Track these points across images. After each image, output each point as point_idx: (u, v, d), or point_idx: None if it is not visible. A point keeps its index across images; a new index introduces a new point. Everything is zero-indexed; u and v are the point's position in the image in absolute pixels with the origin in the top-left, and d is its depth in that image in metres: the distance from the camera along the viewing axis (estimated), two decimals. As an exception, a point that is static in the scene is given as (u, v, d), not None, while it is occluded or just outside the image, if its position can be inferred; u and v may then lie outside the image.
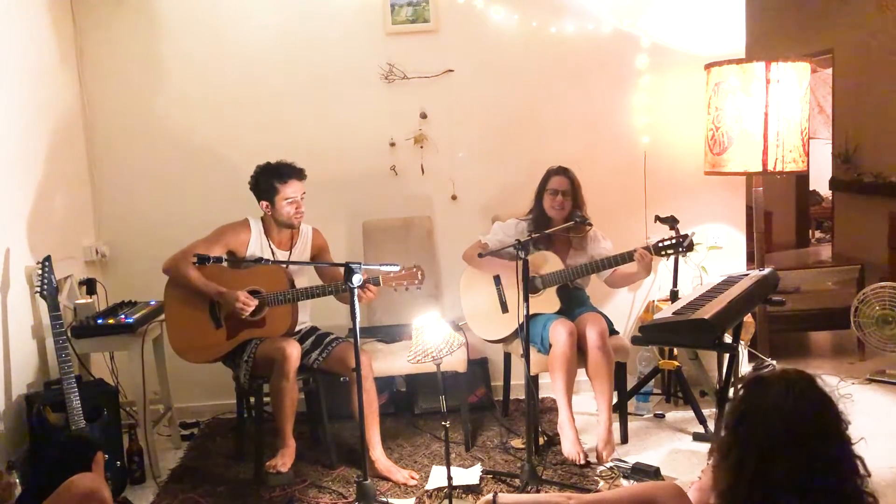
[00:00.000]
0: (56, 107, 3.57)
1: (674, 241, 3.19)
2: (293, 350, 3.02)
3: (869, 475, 1.42)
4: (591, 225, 3.33)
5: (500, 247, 3.30)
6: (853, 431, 1.44)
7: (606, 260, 3.28)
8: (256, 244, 3.22)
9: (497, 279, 3.43)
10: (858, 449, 1.43)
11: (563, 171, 3.43)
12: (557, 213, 3.39)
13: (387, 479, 3.07)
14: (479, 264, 3.38)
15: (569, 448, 3.16)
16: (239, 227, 3.23)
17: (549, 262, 3.35)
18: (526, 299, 2.90)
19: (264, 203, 3.18)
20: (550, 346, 3.20)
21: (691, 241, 3.19)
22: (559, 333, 3.15)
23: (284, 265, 3.19)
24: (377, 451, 3.13)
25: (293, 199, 3.17)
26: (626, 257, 3.22)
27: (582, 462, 3.11)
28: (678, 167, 3.97)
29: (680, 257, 3.53)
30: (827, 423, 1.40)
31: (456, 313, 3.61)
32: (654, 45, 3.90)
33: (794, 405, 1.40)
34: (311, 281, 3.32)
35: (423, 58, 3.84)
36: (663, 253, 3.22)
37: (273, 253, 3.24)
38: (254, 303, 3.04)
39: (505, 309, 3.41)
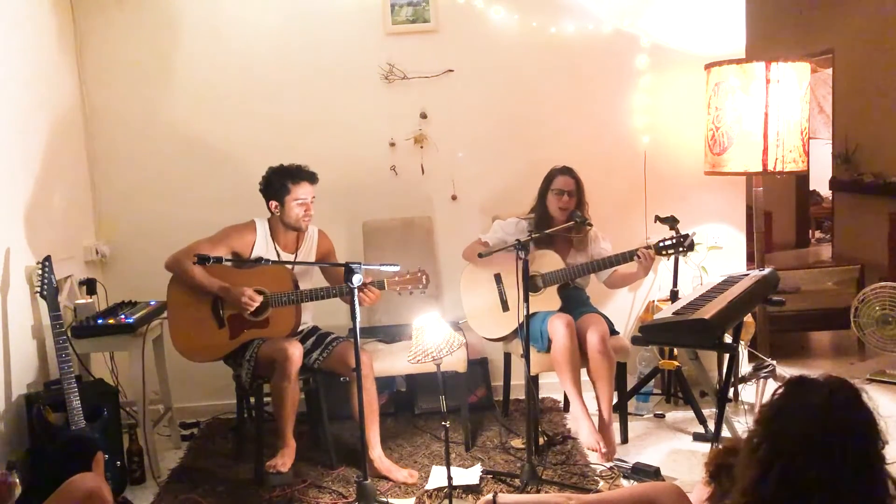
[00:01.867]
0: (56, 106, 3.57)
1: (675, 240, 3.19)
2: (295, 350, 3.02)
3: None
4: (590, 225, 3.33)
5: (500, 246, 3.30)
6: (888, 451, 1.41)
7: (607, 259, 3.28)
8: (262, 246, 3.22)
9: (498, 277, 3.43)
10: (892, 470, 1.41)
11: (567, 171, 3.43)
12: (562, 213, 3.39)
13: (386, 478, 3.07)
14: (479, 262, 3.38)
15: (587, 438, 3.15)
16: (245, 228, 3.23)
17: (549, 261, 3.35)
18: (526, 299, 2.90)
19: (273, 203, 3.18)
20: (550, 341, 3.20)
21: (692, 241, 3.20)
22: (557, 327, 3.15)
23: (290, 265, 3.19)
24: (377, 451, 3.13)
25: (303, 200, 3.17)
26: (627, 257, 3.22)
27: (603, 450, 3.09)
28: (678, 167, 3.97)
29: (680, 257, 3.53)
30: (864, 436, 1.38)
31: (456, 313, 3.61)
32: (654, 45, 3.90)
33: (834, 411, 1.38)
34: (315, 283, 3.31)
35: (423, 58, 3.84)
36: (664, 253, 3.22)
37: (278, 255, 3.23)
38: (259, 298, 3.04)
39: (506, 307, 3.41)
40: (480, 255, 3.22)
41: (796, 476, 1.36)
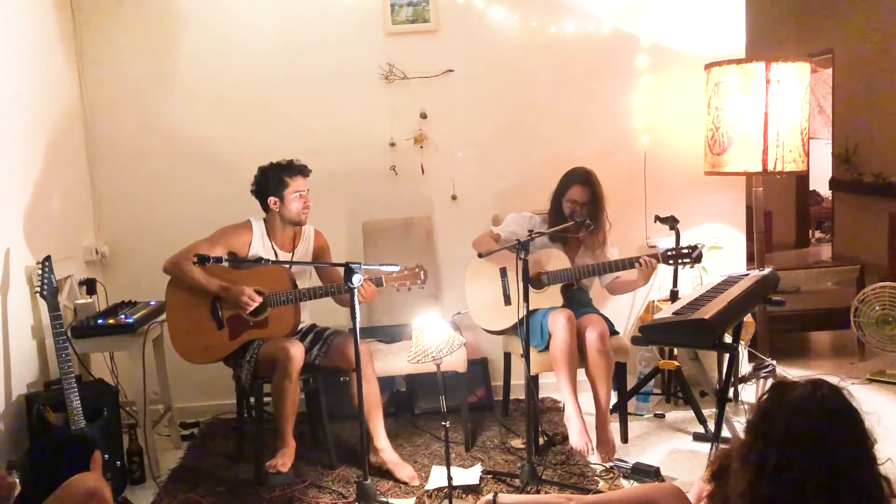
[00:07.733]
0: (56, 107, 3.57)
1: (682, 252, 3.17)
2: (297, 350, 3.02)
3: (894, 496, 1.41)
4: (590, 225, 3.31)
5: (504, 244, 3.28)
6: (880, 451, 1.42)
7: (610, 263, 3.27)
8: (258, 245, 3.22)
9: (503, 271, 3.43)
10: (885, 470, 1.42)
11: (585, 181, 3.33)
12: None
13: (390, 471, 3.08)
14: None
15: (576, 439, 3.10)
16: (241, 228, 3.23)
17: (556, 260, 3.35)
18: (526, 299, 2.89)
19: (273, 199, 3.19)
20: (549, 337, 3.19)
21: (700, 253, 3.16)
22: (558, 320, 3.14)
23: (288, 265, 3.19)
24: (382, 441, 3.12)
25: (301, 192, 3.18)
26: (628, 263, 3.21)
27: (590, 453, 3.07)
28: (678, 167, 3.97)
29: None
30: (848, 430, 1.39)
31: (456, 310, 3.61)
32: (654, 45, 3.90)
33: (816, 407, 1.40)
34: (313, 282, 3.32)
35: (423, 58, 3.84)
36: (671, 262, 3.21)
37: (276, 254, 3.23)
38: (258, 298, 3.04)
39: (508, 301, 3.41)
40: (480, 255, 3.22)
41: (790, 470, 1.37)
